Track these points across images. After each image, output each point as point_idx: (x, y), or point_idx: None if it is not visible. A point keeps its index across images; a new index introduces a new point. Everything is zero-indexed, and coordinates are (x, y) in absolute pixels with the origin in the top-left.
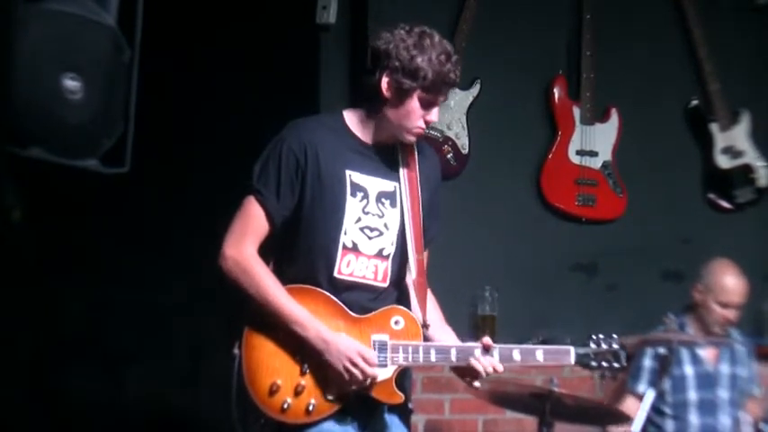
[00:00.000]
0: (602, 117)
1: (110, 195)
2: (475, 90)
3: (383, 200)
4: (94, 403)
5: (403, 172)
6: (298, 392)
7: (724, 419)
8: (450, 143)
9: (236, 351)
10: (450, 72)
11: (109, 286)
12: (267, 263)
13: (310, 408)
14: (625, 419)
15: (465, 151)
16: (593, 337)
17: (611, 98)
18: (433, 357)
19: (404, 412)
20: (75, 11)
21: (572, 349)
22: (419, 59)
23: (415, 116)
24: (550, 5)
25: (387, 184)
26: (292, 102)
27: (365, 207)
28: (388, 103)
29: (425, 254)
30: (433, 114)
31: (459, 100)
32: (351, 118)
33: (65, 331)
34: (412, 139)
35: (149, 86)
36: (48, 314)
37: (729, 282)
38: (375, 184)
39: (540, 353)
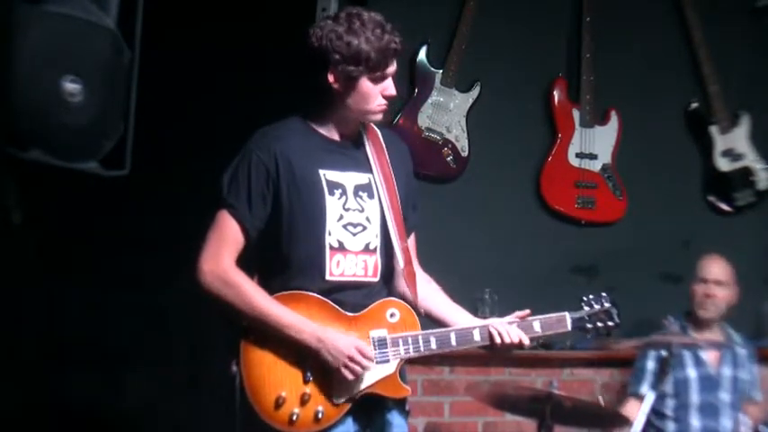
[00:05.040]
0: (602, 119)
1: (110, 196)
2: (475, 92)
3: (360, 193)
4: (94, 405)
5: (374, 162)
6: (304, 401)
7: (725, 422)
8: (449, 146)
9: (234, 369)
10: (390, 42)
11: (109, 287)
12: (251, 277)
13: (319, 415)
14: (624, 422)
15: (465, 154)
16: (584, 299)
17: (611, 100)
18: (433, 345)
19: (403, 412)
20: (75, 13)
21: (567, 315)
22: (356, 43)
23: (373, 96)
24: (550, 8)
25: (361, 177)
26: (292, 104)
27: (345, 204)
28: (343, 94)
29: (411, 241)
30: (390, 87)
31: (459, 102)
32: (313, 118)
33: (64, 332)
34: (378, 117)
35: (149, 88)
36: (47, 315)
37: (708, 261)
38: (350, 178)
39: (537, 324)
